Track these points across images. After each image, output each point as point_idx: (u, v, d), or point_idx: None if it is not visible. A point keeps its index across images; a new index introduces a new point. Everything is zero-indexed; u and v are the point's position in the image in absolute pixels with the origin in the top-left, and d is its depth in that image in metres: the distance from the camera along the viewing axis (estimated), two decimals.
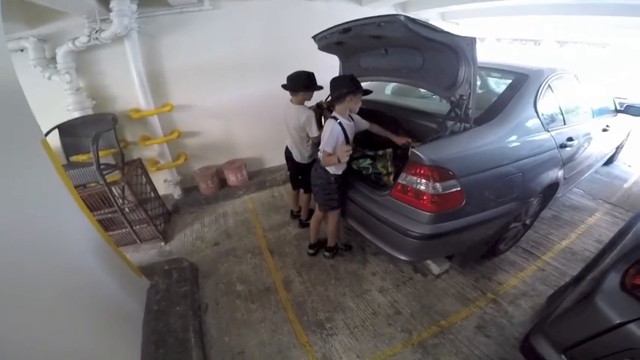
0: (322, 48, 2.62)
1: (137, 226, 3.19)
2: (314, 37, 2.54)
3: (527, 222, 2.67)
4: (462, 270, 2.60)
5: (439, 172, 1.75)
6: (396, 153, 2.34)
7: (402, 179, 1.92)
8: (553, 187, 2.46)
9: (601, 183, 3.88)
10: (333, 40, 2.34)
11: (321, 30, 2.40)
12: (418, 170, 1.80)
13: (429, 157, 1.74)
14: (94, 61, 3.28)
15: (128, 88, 3.33)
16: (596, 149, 3.06)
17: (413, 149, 1.78)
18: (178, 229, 3.57)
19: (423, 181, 1.79)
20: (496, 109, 2.07)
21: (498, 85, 2.64)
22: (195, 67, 3.61)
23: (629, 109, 3.14)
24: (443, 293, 2.41)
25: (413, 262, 2.56)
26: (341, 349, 2.06)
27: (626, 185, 3.89)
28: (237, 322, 2.31)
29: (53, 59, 3.07)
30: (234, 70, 3.81)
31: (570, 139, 2.37)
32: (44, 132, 1.89)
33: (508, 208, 2.10)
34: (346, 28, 2.06)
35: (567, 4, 3.74)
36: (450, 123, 1.91)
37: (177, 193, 3.98)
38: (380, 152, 2.32)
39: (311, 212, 3.00)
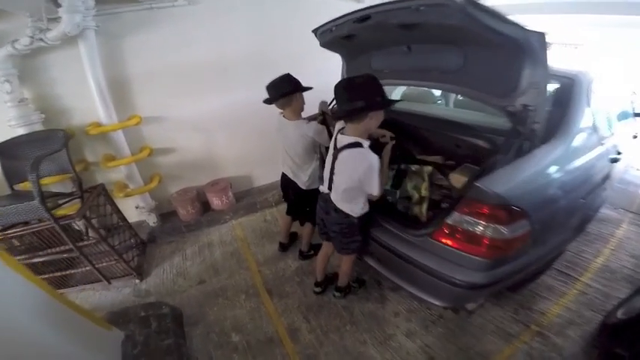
0: (325, 44, 2.18)
1: (104, 263, 2.68)
2: (315, 31, 2.12)
3: None
4: (497, 301, 2.24)
5: (509, 212, 1.34)
6: (441, 171, 1.89)
7: (451, 219, 1.49)
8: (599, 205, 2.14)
9: (616, 190, 3.65)
10: (341, 32, 1.90)
11: (325, 22, 1.98)
12: (478, 209, 1.38)
13: (495, 191, 1.32)
14: (42, 68, 2.72)
15: (85, 99, 2.76)
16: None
17: (477, 183, 1.35)
18: (156, 262, 3.06)
19: (483, 222, 1.38)
20: (555, 122, 1.65)
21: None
22: (167, 72, 3.08)
23: None
24: (481, 330, 2.08)
25: (452, 307, 2.15)
26: None
27: None
28: None
29: None
30: (214, 75, 3.28)
31: (619, 152, 2.04)
32: None
33: (564, 237, 1.75)
34: (363, 17, 1.63)
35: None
36: (514, 142, 1.48)
37: (152, 220, 3.41)
38: (414, 167, 1.86)
39: (315, 246, 2.61)
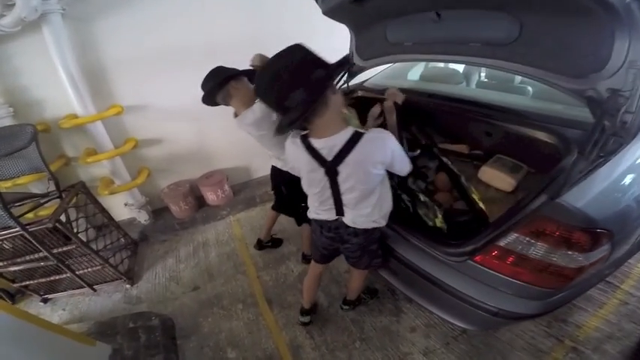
0: (329, 11, 1.78)
1: (91, 268, 2.50)
2: None
3: None
4: None
5: (594, 236, 1.04)
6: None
7: (508, 241, 1.15)
8: None
9: None
10: None
11: None
12: (549, 230, 1.06)
13: (582, 209, 1.01)
14: (3, 58, 2.43)
15: (57, 89, 2.46)
16: None
17: (557, 201, 1.03)
18: (147, 264, 2.88)
19: (553, 247, 1.06)
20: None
21: None
22: (149, 57, 2.74)
23: None
24: (509, 347, 1.86)
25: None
26: None
27: None
28: None
29: None
30: (204, 59, 2.86)
31: None
32: None
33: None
34: None
35: None
36: (599, 140, 1.04)
37: (143, 217, 3.17)
38: (422, 197, 1.53)
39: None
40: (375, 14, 1.76)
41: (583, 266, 1.04)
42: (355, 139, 1.15)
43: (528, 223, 1.08)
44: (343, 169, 1.21)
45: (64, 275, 2.46)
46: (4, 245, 2.25)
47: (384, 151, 1.17)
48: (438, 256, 1.36)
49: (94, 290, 2.60)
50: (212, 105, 1.77)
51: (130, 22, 2.60)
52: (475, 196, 1.66)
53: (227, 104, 1.77)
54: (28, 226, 2.03)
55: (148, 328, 2.14)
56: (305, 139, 1.25)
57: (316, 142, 1.21)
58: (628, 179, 1.12)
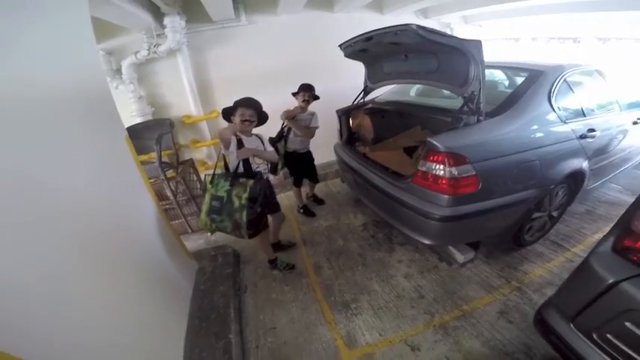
0: (348, 55, 2.91)
1: (188, 218, 3.60)
2: (340, 46, 2.81)
3: (554, 213, 2.69)
4: (487, 260, 2.66)
5: (454, 157, 1.92)
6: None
7: (421, 166, 2.11)
8: (578, 177, 2.51)
9: (633, 176, 3.71)
10: (357, 47, 2.61)
11: (346, 39, 2.66)
12: (435, 157, 1.99)
13: (444, 144, 1.93)
14: (151, 73, 3.78)
15: (180, 97, 3.81)
16: (631, 143, 3.01)
17: (429, 139, 1.96)
18: None
19: (440, 166, 1.97)
20: (509, 103, 2.21)
21: (514, 82, 2.78)
22: (235, 77, 4.03)
23: None
24: (467, 281, 2.48)
25: (436, 245, 2.67)
26: (364, 327, 2.20)
27: None
28: (271, 301, 2.53)
29: (119, 70, 3.61)
30: (268, 78, 4.18)
31: (592, 130, 2.42)
32: None
33: (526, 194, 2.20)
34: (368, 37, 2.31)
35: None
36: (464, 116, 2.08)
37: None
38: (242, 180, 2.14)
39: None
40: (373, 57, 2.91)
41: (459, 177, 1.94)
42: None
43: (426, 153, 2.04)
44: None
45: (170, 222, 3.60)
46: None
47: None
48: (398, 184, 2.38)
49: (192, 232, 3.68)
50: (229, 117, 2.33)
51: (229, 52, 3.91)
52: None
53: (248, 124, 2.28)
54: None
55: (224, 254, 3.00)
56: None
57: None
58: (478, 135, 2.05)
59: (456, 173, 1.93)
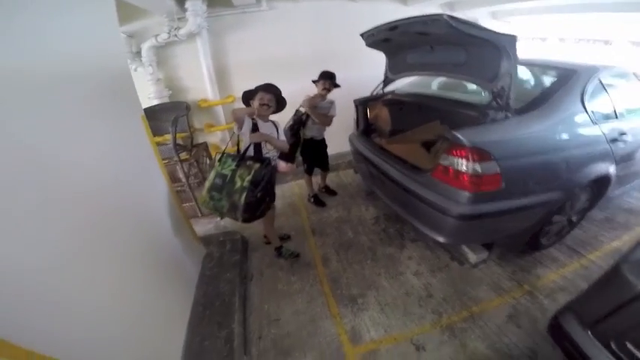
0: (370, 45, 2.83)
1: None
2: (362, 35, 2.73)
3: (574, 218, 2.60)
4: (500, 262, 2.60)
5: (478, 153, 1.85)
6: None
7: (443, 160, 2.05)
8: (603, 182, 2.41)
9: None
10: (380, 37, 2.53)
11: (369, 28, 2.59)
12: (459, 151, 1.92)
13: (470, 139, 1.86)
14: (170, 56, 3.80)
15: (198, 81, 3.82)
16: None
17: (454, 132, 1.89)
18: None
19: (464, 161, 1.90)
20: (540, 101, 2.12)
21: (544, 80, 2.64)
22: (253, 63, 4.01)
23: None
24: (478, 282, 2.43)
25: (449, 243, 2.59)
26: (370, 323, 2.17)
27: None
28: (277, 291, 2.51)
29: (138, 53, 3.64)
30: (288, 65, 4.14)
31: (623, 133, 2.32)
32: None
33: (549, 196, 2.12)
34: (393, 26, 2.23)
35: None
36: (491, 111, 2.02)
37: None
38: (249, 162, 2.12)
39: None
40: (396, 47, 2.81)
41: (482, 174, 1.86)
42: None
43: (449, 146, 1.98)
44: None
45: (188, 204, 3.60)
46: None
47: None
48: (416, 177, 2.33)
49: (202, 214, 3.70)
50: (248, 101, 2.34)
51: (248, 37, 3.88)
52: None
53: (266, 108, 2.30)
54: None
55: (233, 240, 2.97)
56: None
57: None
58: (505, 132, 1.98)
59: (480, 170, 1.86)
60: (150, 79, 3.68)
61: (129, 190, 1.74)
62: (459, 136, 1.87)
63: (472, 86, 2.87)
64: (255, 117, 2.23)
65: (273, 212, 2.90)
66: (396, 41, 2.60)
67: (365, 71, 3.71)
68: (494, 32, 1.83)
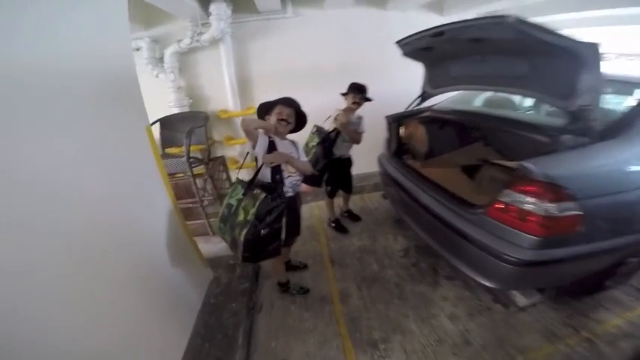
0: (407, 54, 2.53)
1: (212, 219, 3.37)
2: (398, 43, 2.46)
3: None
4: (552, 304, 2.23)
5: (555, 191, 1.51)
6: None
7: (504, 196, 1.70)
8: None
9: None
10: (420, 44, 2.23)
11: (406, 35, 2.31)
12: (528, 187, 1.57)
13: (544, 171, 1.51)
14: (193, 63, 3.68)
15: (219, 89, 3.67)
16: None
17: (523, 162, 1.55)
18: None
19: (533, 199, 1.56)
20: (624, 125, 1.74)
21: (630, 99, 2.25)
22: (276, 72, 3.82)
23: None
24: (525, 328, 2.09)
25: (499, 289, 2.26)
26: None
27: None
28: (287, 328, 2.25)
29: (161, 59, 3.54)
30: (312, 76, 3.92)
31: None
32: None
33: (629, 240, 1.75)
34: (438, 32, 1.94)
35: None
36: (567, 137, 1.66)
37: None
38: (256, 191, 1.79)
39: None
40: (438, 57, 2.48)
41: (557, 217, 1.51)
42: None
43: (513, 180, 1.65)
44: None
45: (192, 222, 3.32)
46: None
47: None
48: (463, 213, 1.96)
49: (213, 234, 3.43)
50: (264, 115, 2.07)
51: (273, 45, 3.71)
52: None
53: (285, 125, 2.03)
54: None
55: (243, 266, 2.72)
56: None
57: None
58: (588, 163, 1.63)
59: (556, 211, 1.51)
60: (171, 86, 3.57)
61: (121, 207, 1.53)
62: (530, 166, 1.52)
63: (529, 103, 2.49)
64: (272, 134, 1.96)
65: (288, 250, 2.62)
66: (439, 50, 2.28)
67: (396, 85, 3.44)
68: (573, 39, 1.49)
